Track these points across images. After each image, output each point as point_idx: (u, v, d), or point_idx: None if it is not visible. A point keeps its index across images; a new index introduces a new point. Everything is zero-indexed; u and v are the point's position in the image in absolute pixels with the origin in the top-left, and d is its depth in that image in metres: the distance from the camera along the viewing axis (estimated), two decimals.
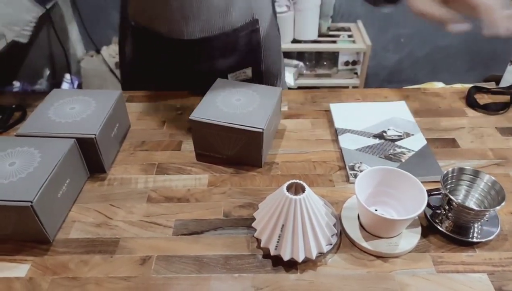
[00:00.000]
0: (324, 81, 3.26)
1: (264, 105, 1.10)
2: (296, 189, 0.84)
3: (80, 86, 3.20)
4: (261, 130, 1.02)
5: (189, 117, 1.06)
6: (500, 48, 3.44)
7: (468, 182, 0.93)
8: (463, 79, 3.46)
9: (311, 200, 0.82)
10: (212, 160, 1.12)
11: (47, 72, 3.18)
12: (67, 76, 3.12)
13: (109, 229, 0.94)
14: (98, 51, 3.15)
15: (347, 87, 3.26)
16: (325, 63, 3.33)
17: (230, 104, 1.11)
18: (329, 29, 3.22)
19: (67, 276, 0.84)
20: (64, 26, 3.09)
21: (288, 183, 0.83)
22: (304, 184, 0.82)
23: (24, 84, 2.99)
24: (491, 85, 1.38)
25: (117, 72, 3.10)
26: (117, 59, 3.10)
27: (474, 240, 0.89)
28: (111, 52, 3.12)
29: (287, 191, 0.81)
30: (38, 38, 3.10)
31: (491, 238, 0.88)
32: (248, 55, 1.30)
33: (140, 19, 1.27)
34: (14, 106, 1.30)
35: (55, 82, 3.24)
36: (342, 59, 3.26)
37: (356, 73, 3.32)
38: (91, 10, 3.14)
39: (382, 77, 3.64)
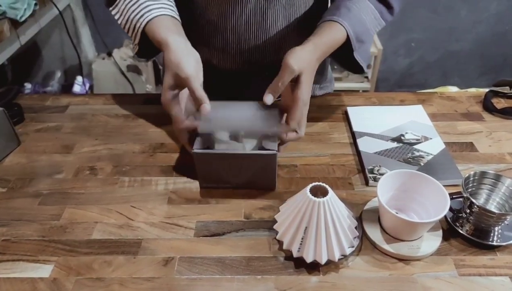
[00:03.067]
0: (335, 85, 3.25)
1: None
2: (318, 191, 0.85)
3: (91, 88, 3.21)
4: (274, 152, 0.99)
5: (193, 151, 0.99)
6: (511, 53, 3.44)
7: (489, 186, 0.93)
8: (474, 84, 3.46)
9: (334, 203, 0.82)
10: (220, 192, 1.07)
11: (59, 74, 3.20)
12: (79, 78, 3.13)
13: (131, 230, 0.95)
14: (109, 54, 3.16)
15: (357, 91, 3.26)
16: (335, 67, 3.33)
17: None
18: None
19: (91, 276, 0.85)
20: (76, 29, 3.10)
21: (311, 185, 0.83)
22: (327, 187, 0.83)
23: (36, 86, 3.01)
24: (506, 89, 1.37)
25: (129, 75, 3.11)
26: (128, 62, 3.12)
27: (495, 243, 0.89)
28: (122, 54, 3.13)
29: (310, 192, 0.82)
30: (51, 40, 3.12)
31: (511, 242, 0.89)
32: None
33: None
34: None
35: (67, 84, 3.25)
36: None
37: (366, 77, 3.32)
38: (103, 13, 3.15)
39: (393, 81, 3.64)
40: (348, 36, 1.07)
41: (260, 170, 1.01)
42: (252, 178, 1.03)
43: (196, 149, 0.99)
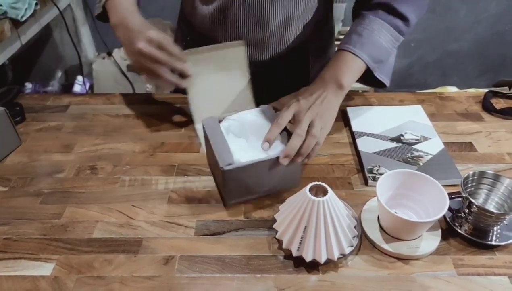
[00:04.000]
0: None
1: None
2: (317, 191, 0.85)
3: (91, 88, 3.21)
4: None
5: (224, 169, 0.93)
6: (510, 53, 3.44)
7: (488, 186, 0.94)
8: (473, 84, 3.46)
9: (334, 202, 0.82)
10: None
11: (59, 74, 3.20)
12: (79, 78, 3.13)
13: (132, 229, 0.95)
14: (110, 54, 3.16)
15: (357, 91, 3.24)
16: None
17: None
18: (339, 33, 3.22)
19: (92, 275, 0.85)
20: (76, 29, 3.11)
21: (310, 185, 0.84)
22: (327, 186, 0.83)
23: (36, 86, 3.01)
24: (505, 90, 1.38)
25: (129, 74, 3.11)
26: (128, 61, 3.11)
27: (494, 243, 0.89)
28: (122, 54, 3.12)
29: (309, 192, 0.82)
30: (51, 40, 3.12)
31: (510, 241, 0.89)
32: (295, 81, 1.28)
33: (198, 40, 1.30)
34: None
35: (67, 84, 3.25)
36: None
37: None
38: None
39: (392, 81, 3.59)
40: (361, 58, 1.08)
41: (286, 170, 1.00)
42: (278, 181, 1.02)
43: (227, 165, 0.93)
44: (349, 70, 1.08)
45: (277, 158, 0.95)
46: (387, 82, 1.19)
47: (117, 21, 1.11)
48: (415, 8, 1.13)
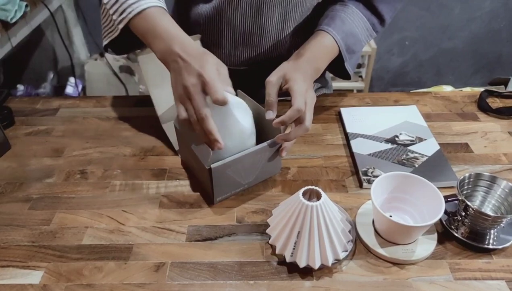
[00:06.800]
0: None
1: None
2: (311, 195, 0.84)
3: (84, 89, 3.19)
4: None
5: (211, 167, 0.92)
6: (505, 51, 3.44)
7: (484, 188, 0.92)
8: (468, 82, 3.46)
9: (327, 206, 0.81)
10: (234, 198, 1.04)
11: (51, 75, 3.18)
12: (71, 79, 3.11)
13: (122, 235, 0.93)
14: (102, 55, 3.14)
15: (352, 90, 3.25)
16: None
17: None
18: None
19: (82, 283, 0.84)
20: (68, 30, 3.09)
21: (304, 189, 0.82)
22: (320, 190, 0.82)
23: (28, 88, 2.99)
24: (501, 89, 1.37)
25: (121, 75, 3.10)
26: (121, 62, 3.10)
27: (491, 246, 0.88)
28: (115, 55, 3.11)
29: (302, 196, 0.81)
30: (43, 41, 3.10)
31: (507, 245, 0.88)
32: None
33: None
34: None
35: (59, 86, 3.23)
36: None
37: (361, 76, 3.32)
38: (95, 14, 3.13)
39: (387, 80, 3.63)
40: (339, 48, 1.11)
41: (269, 159, 1.02)
42: (262, 171, 1.03)
43: (213, 165, 0.93)
44: (327, 56, 1.11)
45: (259, 149, 0.97)
46: (352, 75, 1.22)
47: (164, 47, 0.95)
48: (391, 8, 1.17)
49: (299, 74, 1.01)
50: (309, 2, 1.18)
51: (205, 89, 0.86)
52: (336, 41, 1.10)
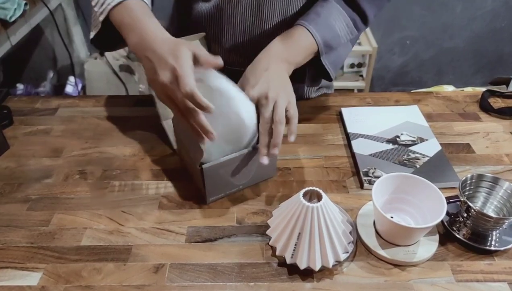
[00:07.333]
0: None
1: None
2: (311, 196, 0.83)
3: (84, 88, 3.19)
4: None
5: (203, 167, 0.92)
6: (506, 50, 3.43)
7: (487, 189, 0.92)
8: (469, 81, 3.45)
9: (328, 208, 0.80)
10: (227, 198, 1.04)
11: (51, 74, 3.18)
12: (71, 78, 3.10)
13: (121, 236, 0.93)
14: (102, 54, 3.13)
15: (352, 90, 3.24)
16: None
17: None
18: None
19: (80, 284, 0.83)
20: (68, 29, 3.08)
21: (304, 190, 0.82)
22: (321, 191, 0.81)
23: (28, 87, 2.99)
24: (503, 88, 1.36)
25: (121, 74, 3.09)
26: (121, 62, 3.09)
27: (493, 248, 0.87)
28: (115, 54, 3.09)
29: (303, 197, 0.80)
30: (42, 40, 3.09)
31: (510, 246, 0.87)
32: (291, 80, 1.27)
33: None
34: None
35: (59, 85, 3.23)
36: (347, 61, 3.23)
37: (361, 75, 3.30)
38: None
39: (388, 79, 3.62)
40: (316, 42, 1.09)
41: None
42: (256, 173, 1.03)
43: (206, 166, 0.92)
44: (300, 48, 1.08)
45: (254, 151, 0.97)
46: (332, 73, 1.18)
47: (137, 41, 0.92)
48: (374, 6, 1.15)
49: (249, 76, 1.01)
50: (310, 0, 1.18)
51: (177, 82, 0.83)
52: (310, 32, 1.07)
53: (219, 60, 0.87)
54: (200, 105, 0.81)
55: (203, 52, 0.87)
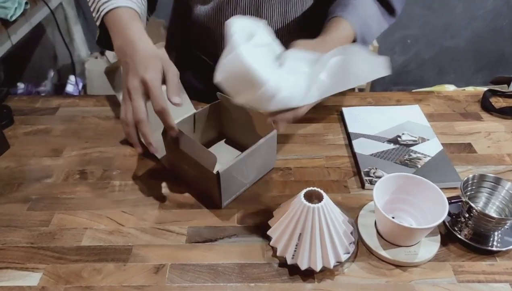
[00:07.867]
0: None
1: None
2: (312, 196, 0.83)
3: (84, 88, 3.18)
4: (275, 131, 1.00)
5: (219, 172, 0.90)
6: (507, 50, 3.43)
7: (488, 189, 0.91)
8: (470, 81, 3.45)
9: (329, 208, 0.80)
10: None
11: (52, 73, 3.17)
12: (72, 77, 3.10)
13: (122, 236, 0.93)
14: (102, 53, 3.13)
15: (353, 89, 3.23)
16: None
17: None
18: None
19: (80, 285, 0.83)
20: (68, 28, 3.08)
21: (305, 190, 0.81)
22: (322, 192, 0.81)
23: (29, 86, 2.99)
24: (504, 88, 1.35)
25: None
26: None
27: (495, 248, 0.87)
28: (115, 53, 3.10)
29: (304, 198, 0.80)
30: (43, 39, 3.09)
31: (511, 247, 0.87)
32: None
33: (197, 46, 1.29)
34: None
35: (60, 84, 3.22)
36: None
37: None
38: None
39: (388, 79, 3.61)
40: (355, 35, 1.07)
41: (265, 155, 1.02)
42: (259, 167, 1.04)
43: (221, 169, 0.91)
44: (342, 43, 1.05)
45: (257, 146, 0.97)
46: None
47: (119, 46, 0.95)
48: (401, 1, 1.17)
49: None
50: (310, 0, 1.17)
51: (148, 94, 0.88)
52: (351, 27, 1.05)
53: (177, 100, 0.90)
54: (168, 124, 0.90)
55: (174, 77, 0.92)
